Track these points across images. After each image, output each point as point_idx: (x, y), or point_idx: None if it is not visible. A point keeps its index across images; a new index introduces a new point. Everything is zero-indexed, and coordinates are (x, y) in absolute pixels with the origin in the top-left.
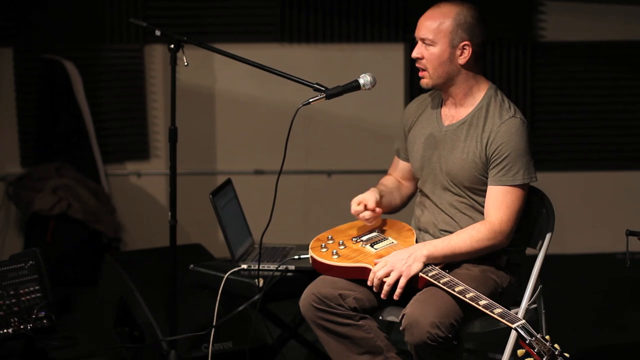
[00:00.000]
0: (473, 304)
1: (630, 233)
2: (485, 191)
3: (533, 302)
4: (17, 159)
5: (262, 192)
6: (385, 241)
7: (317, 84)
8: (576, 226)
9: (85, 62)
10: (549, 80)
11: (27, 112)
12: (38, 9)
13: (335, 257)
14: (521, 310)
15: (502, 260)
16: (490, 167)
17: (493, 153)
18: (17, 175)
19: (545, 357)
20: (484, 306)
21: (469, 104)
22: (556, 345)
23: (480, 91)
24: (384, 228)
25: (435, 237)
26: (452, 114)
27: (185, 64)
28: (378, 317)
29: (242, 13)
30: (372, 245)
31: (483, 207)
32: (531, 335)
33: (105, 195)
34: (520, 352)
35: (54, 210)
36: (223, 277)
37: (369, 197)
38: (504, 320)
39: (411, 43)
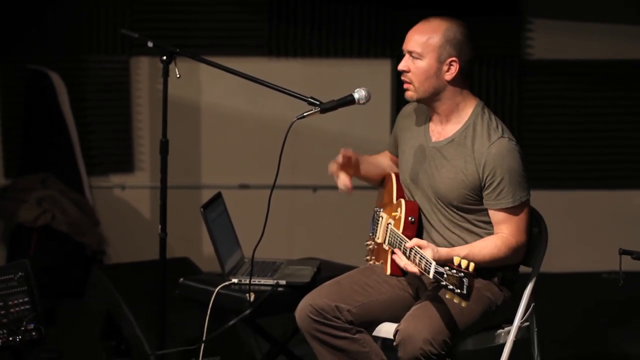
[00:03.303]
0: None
1: (623, 252)
2: (473, 210)
3: (525, 320)
4: (1, 170)
5: (247, 207)
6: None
7: (311, 97)
8: (562, 245)
9: (70, 73)
10: (537, 98)
11: (12, 123)
12: (23, 19)
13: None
14: (514, 328)
15: (496, 277)
16: (487, 192)
17: (487, 177)
18: (1, 186)
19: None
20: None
21: (455, 121)
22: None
23: (468, 108)
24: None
25: None
26: (439, 130)
27: (178, 76)
28: (371, 334)
29: (229, 27)
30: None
31: (470, 225)
32: (442, 274)
33: (90, 208)
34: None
35: (38, 222)
36: (214, 291)
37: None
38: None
39: (398, 59)
